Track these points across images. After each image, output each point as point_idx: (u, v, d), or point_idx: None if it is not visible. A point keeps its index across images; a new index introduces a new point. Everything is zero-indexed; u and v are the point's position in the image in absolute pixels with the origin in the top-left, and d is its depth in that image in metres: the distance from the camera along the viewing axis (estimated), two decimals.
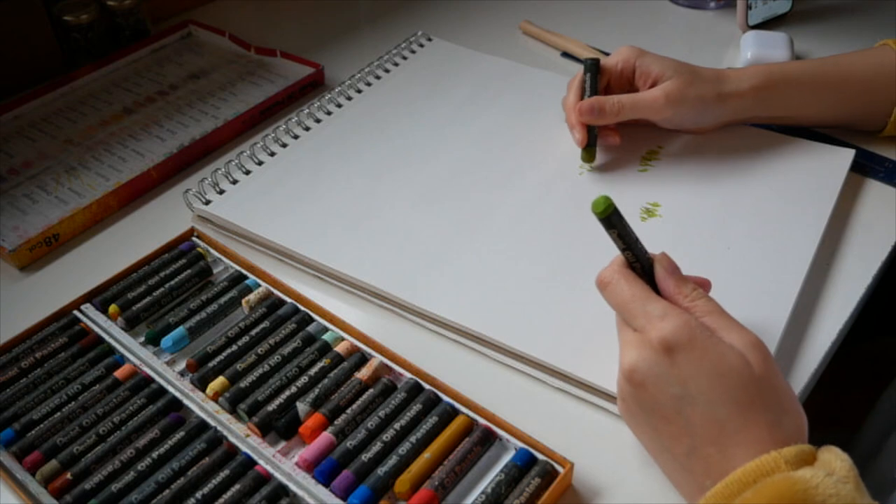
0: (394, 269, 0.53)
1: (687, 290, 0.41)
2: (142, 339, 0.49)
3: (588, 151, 0.60)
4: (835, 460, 0.35)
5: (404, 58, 0.76)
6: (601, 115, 0.59)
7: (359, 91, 0.71)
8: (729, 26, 0.82)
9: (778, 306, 0.50)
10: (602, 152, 0.62)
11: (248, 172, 0.62)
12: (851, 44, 0.78)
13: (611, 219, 0.41)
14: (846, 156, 0.61)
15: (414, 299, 0.51)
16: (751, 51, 0.74)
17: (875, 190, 0.61)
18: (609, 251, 0.53)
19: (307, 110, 0.68)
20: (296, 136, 0.66)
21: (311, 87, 0.73)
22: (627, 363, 0.39)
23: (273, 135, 0.65)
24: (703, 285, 0.44)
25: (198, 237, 0.57)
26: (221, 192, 0.60)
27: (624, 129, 0.62)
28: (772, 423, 0.37)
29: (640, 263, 0.42)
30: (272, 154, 0.64)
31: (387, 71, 0.74)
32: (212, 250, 0.56)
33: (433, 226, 0.57)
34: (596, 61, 0.62)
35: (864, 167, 0.63)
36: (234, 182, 0.61)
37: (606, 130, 0.61)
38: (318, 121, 0.68)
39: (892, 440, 0.51)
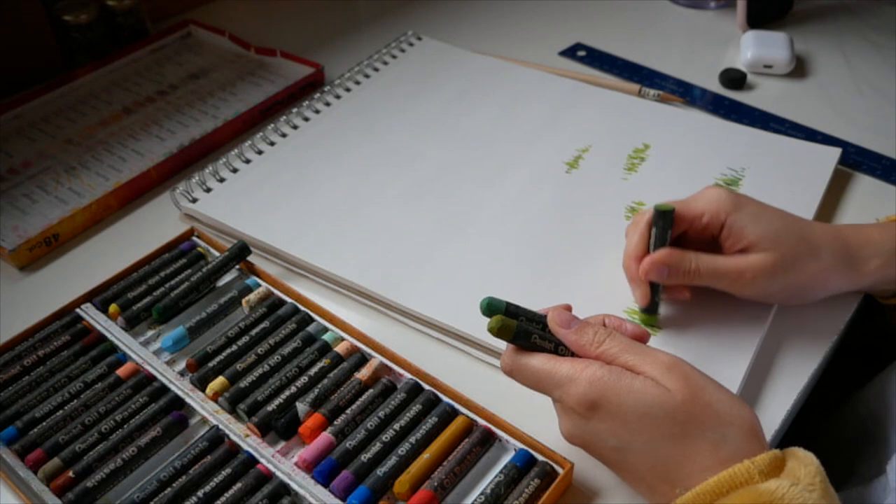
0: (378, 267, 0.54)
1: (588, 337, 0.39)
2: (143, 337, 0.50)
3: (649, 315, 0.49)
4: (799, 467, 0.35)
5: (394, 57, 0.76)
6: (672, 276, 0.47)
7: (347, 90, 0.71)
8: (729, 26, 0.82)
9: (764, 303, 0.50)
10: (589, 160, 0.62)
11: (235, 171, 0.62)
12: (851, 44, 0.79)
13: (514, 338, 0.40)
14: (832, 154, 0.62)
15: (398, 298, 0.51)
16: (751, 51, 0.74)
17: (873, 187, 0.62)
18: (601, 252, 0.54)
19: (296, 109, 0.68)
20: (284, 135, 0.66)
21: (311, 87, 0.73)
22: (563, 433, 0.40)
23: (262, 133, 0.66)
24: (619, 328, 0.41)
25: (198, 237, 0.57)
26: (208, 190, 0.61)
27: (610, 123, 0.60)
28: (715, 443, 0.36)
29: (547, 340, 0.41)
30: (260, 152, 0.64)
31: (376, 70, 0.74)
32: (212, 250, 0.56)
33: (419, 224, 0.57)
34: (671, 213, 0.48)
35: (862, 164, 0.63)
36: (222, 180, 0.61)
37: (675, 287, 0.49)
38: (306, 119, 0.68)
39: (881, 430, 0.51)
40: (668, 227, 0.48)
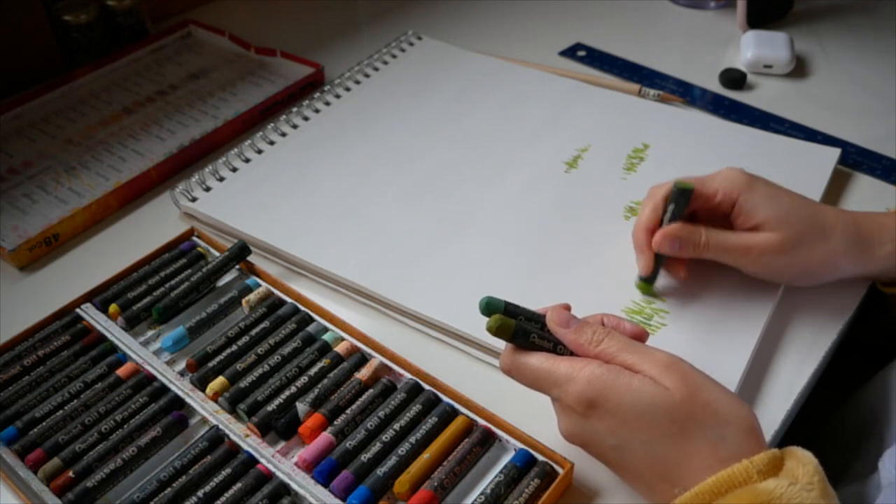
0: (378, 267, 0.54)
1: (587, 336, 0.39)
2: (143, 337, 0.50)
3: (647, 284, 0.51)
4: (797, 467, 0.35)
5: (394, 57, 0.76)
6: (681, 249, 0.48)
7: (347, 90, 0.71)
8: (729, 26, 0.82)
9: (763, 301, 0.50)
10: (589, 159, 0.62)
11: (235, 170, 0.62)
12: (851, 44, 0.79)
13: (513, 337, 0.40)
14: (832, 154, 0.62)
15: (398, 298, 0.51)
16: (751, 51, 0.74)
17: (873, 187, 0.62)
18: (600, 251, 0.54)
19: (296, 109, 0.68)
20: (283, 134, 0.66)
21: (311, 87, 0.73)
22: (562, 432, 0.40)
23: (262, 133, 0.66)
24: (617, 327, 0.41)
25: (198, 237, 0.57)
26: (208, 189, 0.61)
27: (609, 123, 0.61)
28: (714, 442, 0.36)
29: (546, 339, 0.41)
30: (260, 152, 0.64)
31: (376, 70, 0.74)
32: (212, 250, 0.56)
33: (419, 224, 0.57)
34: (690, 192, 0.49)
35: (862, 164, 0.63)
36: (221, 179, 0.62)
37: (674, 262, 0.51)
38: (306, 119, 0.68)
39: (876, 425, 0.51)
40: (684, 205, 0.49)
